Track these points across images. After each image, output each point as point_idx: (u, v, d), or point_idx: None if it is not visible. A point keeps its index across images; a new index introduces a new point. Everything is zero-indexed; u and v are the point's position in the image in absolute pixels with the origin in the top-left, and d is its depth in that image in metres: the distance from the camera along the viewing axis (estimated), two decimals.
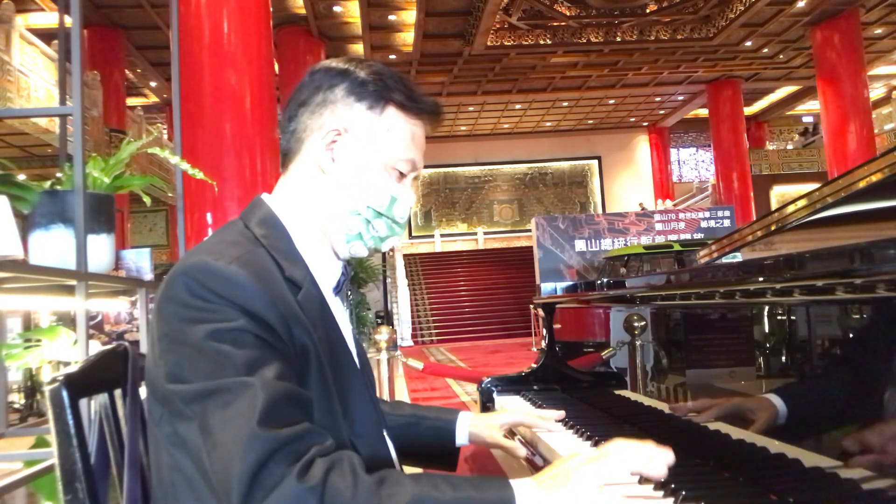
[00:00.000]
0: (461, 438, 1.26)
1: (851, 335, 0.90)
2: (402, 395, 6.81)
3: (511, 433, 1.51)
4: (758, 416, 1.06)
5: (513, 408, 1.83)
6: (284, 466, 0.72)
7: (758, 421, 1.05)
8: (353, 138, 0.99)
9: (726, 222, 13.54)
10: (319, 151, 0.99)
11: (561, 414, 1.38)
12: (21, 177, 1.92)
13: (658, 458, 0.83)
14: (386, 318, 13.41)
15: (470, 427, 1.26)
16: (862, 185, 1.09)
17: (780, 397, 1.02)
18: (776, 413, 1.01)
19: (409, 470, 0.99)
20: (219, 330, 0.79)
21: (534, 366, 2.08)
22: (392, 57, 14.94)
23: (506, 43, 14.61)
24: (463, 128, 22.01)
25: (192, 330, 0.80)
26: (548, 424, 1.35)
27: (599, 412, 1.67)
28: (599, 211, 22.38)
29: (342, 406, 0.91)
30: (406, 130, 1.00)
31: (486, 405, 2.01)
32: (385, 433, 1.04)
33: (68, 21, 2.35)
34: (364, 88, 0.99)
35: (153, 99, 16.62)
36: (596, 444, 1.28)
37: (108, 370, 1.03)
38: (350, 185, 0.99)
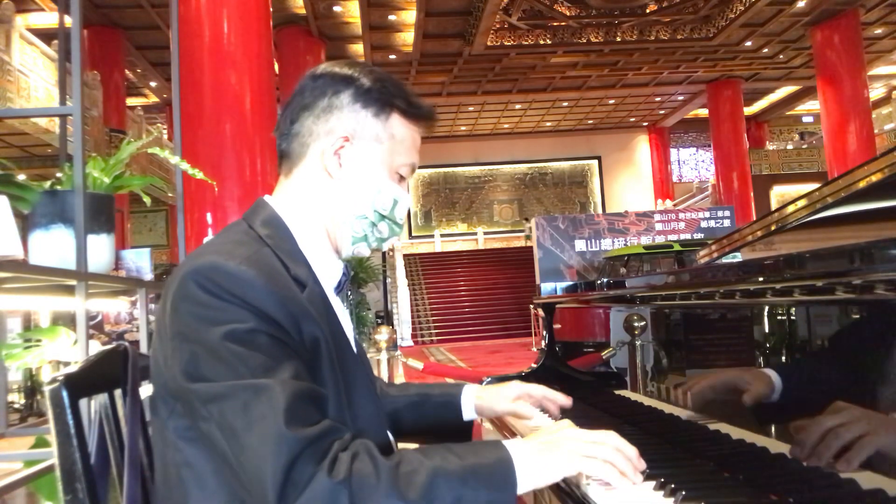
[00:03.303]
0: (468, 411, 1.27)
1: (851, 335, 0.90)
2: None
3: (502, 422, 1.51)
4: (753, 388, 1.07)
5: None
6: (313, 465, 0.75)
7: (752, 394, 1.06)
8: (361, 144, 1.01)
9: (726, 222, 13.54)
10: (327, 156, 1.00)
11: (568, 401, 1.34)
12: (21, 177, 1.92)
13: (632, 469, 0.88)
14: (386, 318, 13.40)
15: (476, 399, 1.26)
16: (862, 185, 1.09)
17: (777, 375, 1.03)
18: (772, 386, 1.02)
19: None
20: (233, 331, 0.81)
21: (534, 366, 2.08)
22: (392, 57, 14.94)
23: (506, 43, 14.60)
24: (463, 128, 22.01)
25: (207, 330, 0.81)
26: (554, 401, 1.32)
27: (599, 412, 1.67)
28: (599, 211, 22.38)
29: (347, 399, 0.94)
30: (408, 135, 1.04)
31: None
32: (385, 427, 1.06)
33: (68, 21, 2.35)
34: (369, 95, 1.01)
35: (153, 99, 16.62)
36: None
37: (108, 370, 1.03)
38: (358, 190, 1.01)
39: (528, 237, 21.42)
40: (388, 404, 1.24)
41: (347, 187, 1.01)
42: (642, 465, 0.90)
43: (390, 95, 1.02)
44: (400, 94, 1.03)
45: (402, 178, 1.05)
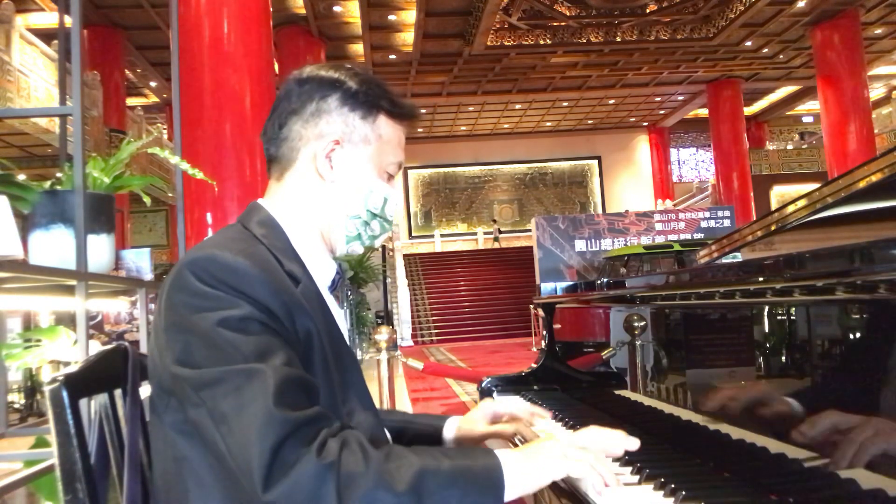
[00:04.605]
0: (449, 443, 1.22)
1: (851, 335, 0.90)
2: (402, 395, 6.81)
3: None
4: (753, 388, 1.06)
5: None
6: (301, 447, 0.76)
7: (752, 394, 1.07)
8: (351, 146, 1.03)
9: (726, 222, 13.55)
10: (319, 160, 1.02)
11: (547, 415, 1.29)
12: (21, 177, 1.92)
13: (620, 444, 0.94)
14: (386, 318, 13.41)
15: (456, 431, 1.22)
16: (862, 185, 1.09)
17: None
18: (772, 386, 1.02)
19: None
20: (227, 318, 0.82)
21: (534, 366, 2.08)
22: (392, 57, 14.94)
23: (506, 43, 14.61)
24: (463, 128, 22.00)
25: (201, 318, 0.83)
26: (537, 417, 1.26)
27: (599, 412, 1.67)
28: (599, 211, 22.38)
29: (342, 393, 0.94)
30: (394, 135, 1.06)
31: None
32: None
33: (68, 21, 2.35)
34: (357, 99, 1.03)
35: (153, 99, 16.62)
36: None
37: (108, 370, 1.03)
38: (351, 191, 1.03)
39: (496, 240, 21.53)
40: None
41: (340, 189, 1.03)
42: (635, 444, 0.94)
43: (376, 97, 1.04)
44: (384, 95, 1.05)
45: (390, 177, 1.07)
